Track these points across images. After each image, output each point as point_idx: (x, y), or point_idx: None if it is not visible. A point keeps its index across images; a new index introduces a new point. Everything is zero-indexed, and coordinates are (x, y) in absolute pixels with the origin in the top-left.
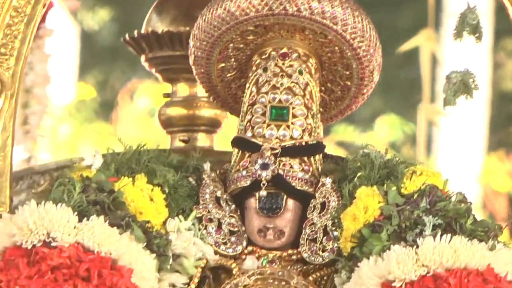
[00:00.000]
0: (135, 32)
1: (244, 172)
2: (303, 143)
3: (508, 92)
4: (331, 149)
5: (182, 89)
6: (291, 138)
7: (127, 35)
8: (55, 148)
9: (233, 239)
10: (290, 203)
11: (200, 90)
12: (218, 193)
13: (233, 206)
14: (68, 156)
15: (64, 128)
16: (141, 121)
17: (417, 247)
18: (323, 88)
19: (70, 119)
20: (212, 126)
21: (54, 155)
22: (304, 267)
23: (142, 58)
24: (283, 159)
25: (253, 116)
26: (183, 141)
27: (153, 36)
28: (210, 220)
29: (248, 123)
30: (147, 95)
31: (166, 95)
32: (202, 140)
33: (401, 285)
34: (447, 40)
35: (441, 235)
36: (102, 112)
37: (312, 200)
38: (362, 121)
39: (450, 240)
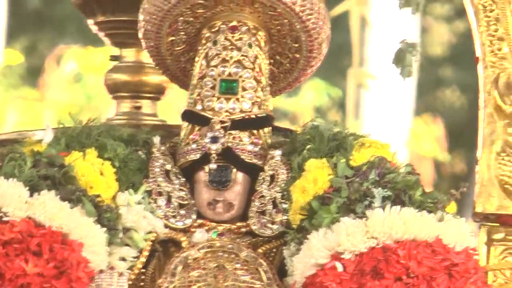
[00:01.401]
0: None
1: (194, 146)
2: (253, 116)
3: (436, 56)
4: None
5: (129, 55)
6: (241, 111)
7: None
8: None
9: (182, 212)
10: (240, 176)
11: (147, 56)
12: (168, 167)
13: (183, 179)
14: None
15: None
16: (67, 86)
17: (367, 219)
18: (272, 61)
19: None
20: (158, 93)
21: None
22: (253, 240)
23: (91, 21)
24: (233, 132)
25: (202, 89)
26: (136, 107)
27: (98, 1)
28: (160, 194)
29: (198, 96)
30: (73, 60)
31: (114, 58)
32: (147, 107)
33: (350, 257)
34: (376, 5)
35: (390, 207)
36: (29, 78)
37: (261, 173)
38: None
39: (399, 212)
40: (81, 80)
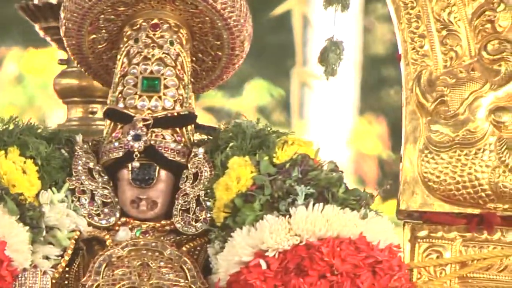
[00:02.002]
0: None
1: (116, 144)
2: (175, 114)
3: (378, 56)
4: (200, 114)
5: None
6: (163, 109)
7: (21, 3)
8: None
9: (106, 210)
10: (163, 173)
11: None
12: (91, 165)
13: (106, 177)
14: None
15: None
16: (9, 88)
17: (290, 216)
18: (194, 59)
19: None
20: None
21: None
22: (178, 238)
23: (37, 26)
24: (155, 130)
25: (124, 87)
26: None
27: (47, 6)
28: (83, 192)
29: (120, 94)
30: (15, 62)
31: (62, 62)
32: (99, 111)
33: (274, 255)
34: (318, 4)
35: (314, 204)
36: None
37: (185, 171)
38: (230, 86)
39: (322, 209)
40: (23, 82)
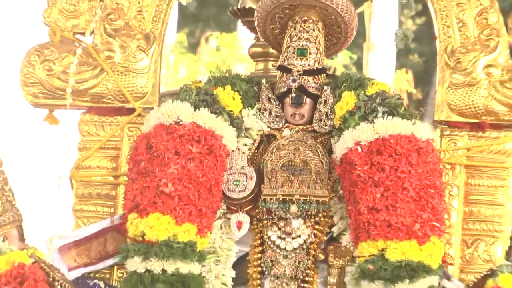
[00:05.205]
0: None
1: (283, 84)
2: (315, 68)
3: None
4: None
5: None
6: (308, 65)
7: (230, 9)
8: (167, 67)
9: (277, 119)
10: (308, 100)
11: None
12: (270, 95)
13: (278, 102)
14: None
15: (171, 57)
16: (212, 54)
17: (374, 123)
18: (326, 38)
19: (172, 53)
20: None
21: (167, 72)
22: (315, 134)
23: (240, 20)
24: (304, 76)
25: (288, 53)
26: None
27: (246, 9)
28: (265, 110)
29: (285, 57)
30: (215, 39)
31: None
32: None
33: (365, 144)
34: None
35: (387, 117)
36: (190, 49)
37: (319, 99)
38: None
39: (391, 120)
40: (219, 50)
